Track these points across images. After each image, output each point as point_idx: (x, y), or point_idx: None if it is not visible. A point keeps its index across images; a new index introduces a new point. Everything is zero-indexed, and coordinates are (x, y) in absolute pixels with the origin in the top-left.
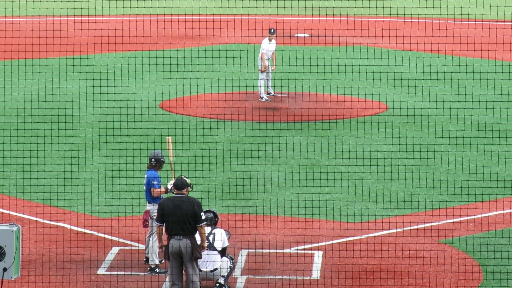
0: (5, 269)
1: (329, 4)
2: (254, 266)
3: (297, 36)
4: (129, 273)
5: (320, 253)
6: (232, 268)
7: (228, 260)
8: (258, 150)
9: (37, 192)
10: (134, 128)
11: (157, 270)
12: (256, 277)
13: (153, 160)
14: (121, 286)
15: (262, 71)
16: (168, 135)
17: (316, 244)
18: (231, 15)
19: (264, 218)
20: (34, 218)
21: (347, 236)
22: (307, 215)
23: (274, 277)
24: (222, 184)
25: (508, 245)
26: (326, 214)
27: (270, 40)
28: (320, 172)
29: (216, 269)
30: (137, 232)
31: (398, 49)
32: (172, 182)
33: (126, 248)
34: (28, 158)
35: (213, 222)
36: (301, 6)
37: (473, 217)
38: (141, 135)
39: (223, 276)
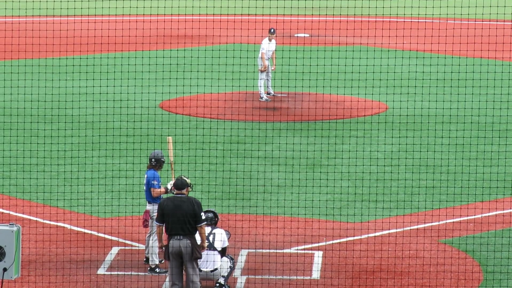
0: (5, 269)
1: (329, 4)
2: (254, 266)
3: (297, 36)
4: (129, 273)
5: (320, 253)
6: (232, 268)
7: (228, 260)
8: (258, 150)
9: (37, 192)
10: (134, 128)
11: (157, 270)
12: (256, 277)
13: (153, 160)
14: (121, 286)
15: (262, 71)
16: (168, 135)
17: (316, 244)
18: (231, 15)
19: (264, 218)
20: (34, 218)
21: (347, 236)
22: (307, 215)
23: (274, 277)
24: (222, 184)
25: (508, 245)
26: (326, 214)
27: (270, 40)
28: (320, 172)
29: (216, 269)
30: (137, 232)
31: (398, 49)
32: (172, 182)
33: (126, 248)
34: (28, 158)
35: (213, 222)
36: (301, 6)
37: (473, 217)
38: (141, 135)
39: (223, 276)
